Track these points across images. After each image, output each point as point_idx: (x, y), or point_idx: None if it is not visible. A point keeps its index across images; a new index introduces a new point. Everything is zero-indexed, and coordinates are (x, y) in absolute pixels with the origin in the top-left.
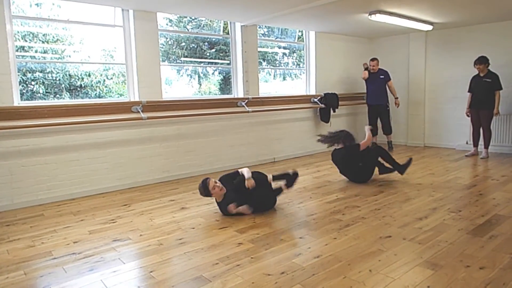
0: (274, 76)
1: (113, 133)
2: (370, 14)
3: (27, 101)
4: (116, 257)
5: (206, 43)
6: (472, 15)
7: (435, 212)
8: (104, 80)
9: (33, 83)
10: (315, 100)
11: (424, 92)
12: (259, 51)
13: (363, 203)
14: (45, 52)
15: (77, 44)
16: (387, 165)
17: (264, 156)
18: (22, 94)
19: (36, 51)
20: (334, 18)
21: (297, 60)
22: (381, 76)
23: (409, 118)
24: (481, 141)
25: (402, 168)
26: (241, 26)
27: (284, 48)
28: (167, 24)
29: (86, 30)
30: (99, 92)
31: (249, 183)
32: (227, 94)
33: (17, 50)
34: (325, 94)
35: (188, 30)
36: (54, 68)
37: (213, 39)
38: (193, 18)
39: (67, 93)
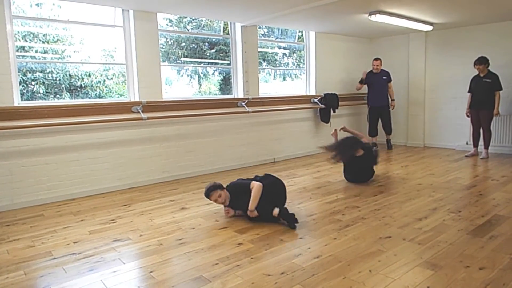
0: (274, 76)
1: (113, 133)
2: (370, 15)
3: (27, 101)
4: (116, 257)
5: (206, 43)
6: (472, 15)
7: (435, 212)
8: (104, 80)
9: (33, 83)
10: (315, 100)
11: (424, 92)
12: (259, 52)
13: (363, 204)
14: (45, 52)
15: (77, 44)
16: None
17: (264, 156)
18: (22, 94)
19: (36, 51)
20: (334, 18)
21: (297, 61)
22: (384, 77)
23: (409, 119)
24: (481, 142)
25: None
26: (241, 26)
27: (284, 48)
28: (167, 25)
29: (86, 30)
30: (99, 92)
31: (251, 214)
32: (227, 94)
33: (17, 50)
34: (325, 94)
35: (188, 30)
36: (54, 68)
37: (213, 39)
38: (193, 18)
39: (67, 93)
